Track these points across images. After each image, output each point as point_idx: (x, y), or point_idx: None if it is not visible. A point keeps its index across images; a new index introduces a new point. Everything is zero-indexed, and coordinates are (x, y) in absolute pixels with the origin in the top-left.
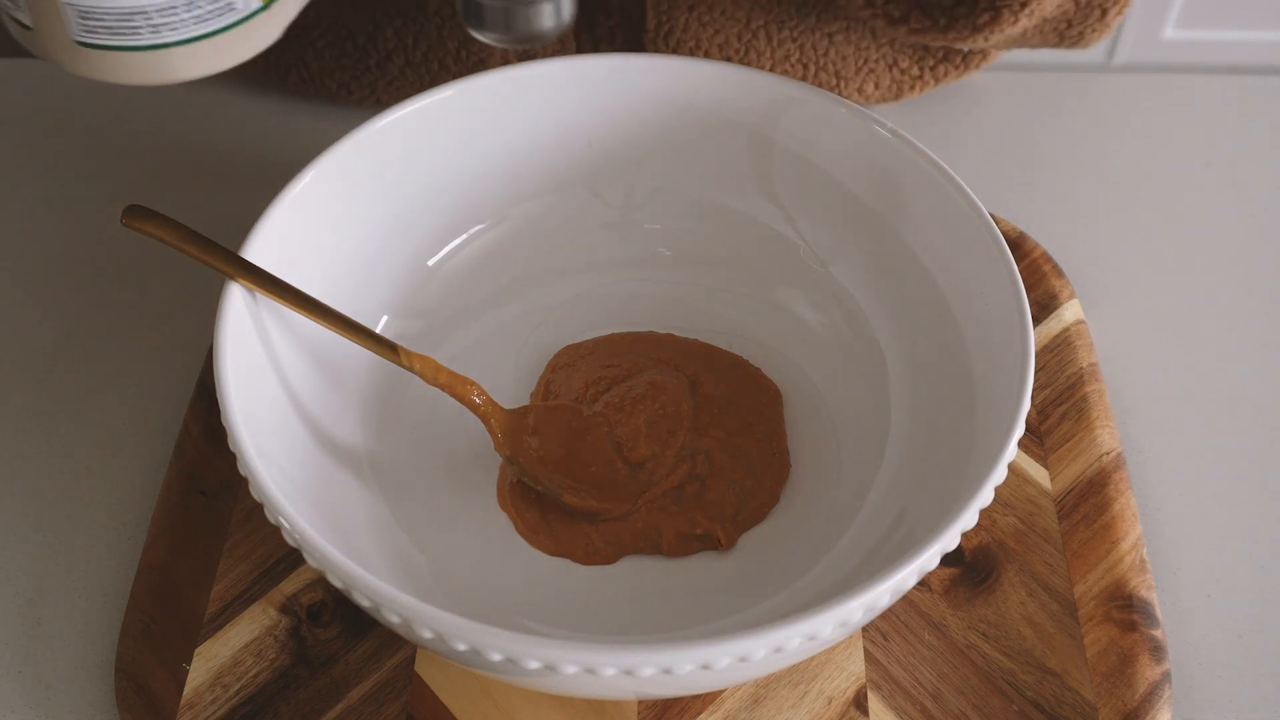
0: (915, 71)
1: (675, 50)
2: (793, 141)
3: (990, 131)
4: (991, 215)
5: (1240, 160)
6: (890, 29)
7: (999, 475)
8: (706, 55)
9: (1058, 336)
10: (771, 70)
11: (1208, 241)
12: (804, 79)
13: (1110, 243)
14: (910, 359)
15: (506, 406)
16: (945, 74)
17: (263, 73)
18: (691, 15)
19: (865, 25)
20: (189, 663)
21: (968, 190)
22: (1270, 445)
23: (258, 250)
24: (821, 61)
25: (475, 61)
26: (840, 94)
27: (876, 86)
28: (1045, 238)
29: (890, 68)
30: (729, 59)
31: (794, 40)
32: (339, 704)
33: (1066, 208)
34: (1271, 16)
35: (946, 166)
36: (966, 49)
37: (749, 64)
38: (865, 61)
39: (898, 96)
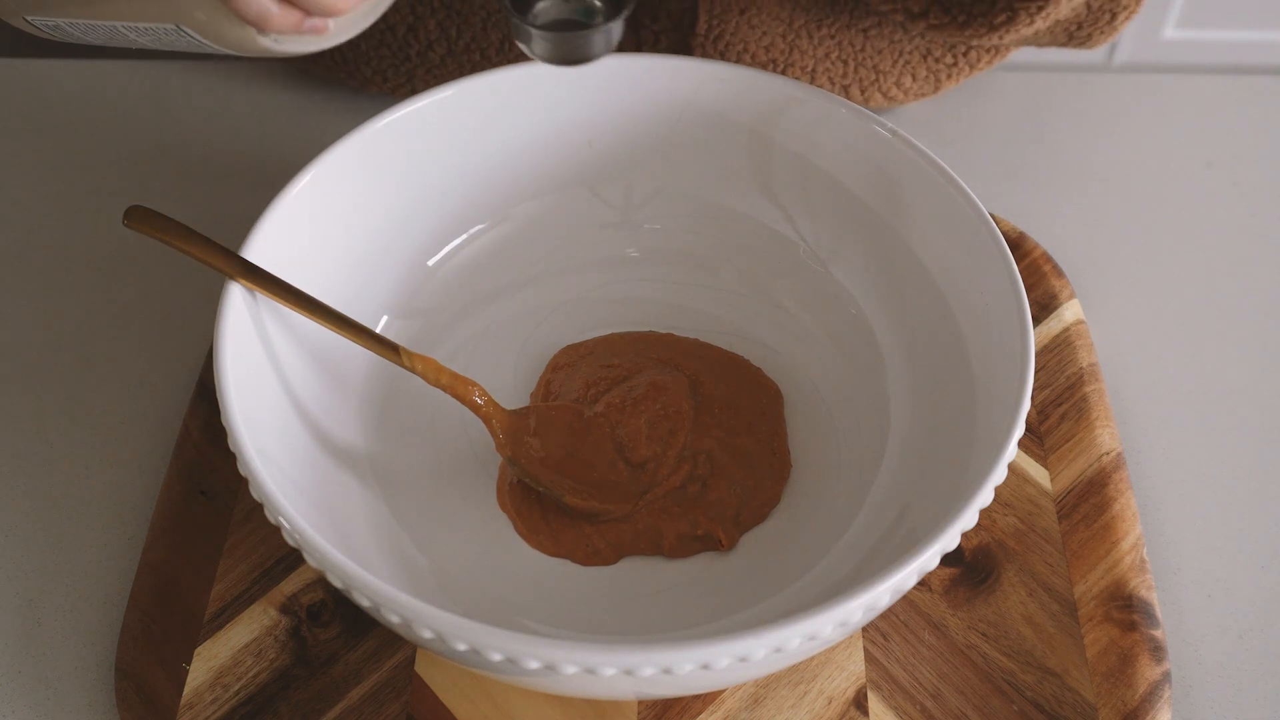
0: (950, 60)
1: (723, 53)
2: (793, 141)
3: (990, 131)
4: (991, 215)
5: (1240, 160)
6: (910, 24)
7: (999, 475)
8: (753, 57)
9: (1058, 336)
10: (814, 69)
11: (1208, 241)
12: (844, 75)
13: (1110, 243)
14: (910, 359)
15: (506, 406)
16: (979, 60)
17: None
18: (742, 19)
19: (888, 19)
20: (189, 663)
21: (968, 190)
22: (1270, 445)
23: (258, 250)
24: (860, 57)
25: (518, 54)
26: (879, 88)
27: (914, 79)
28: (1045, 238)
29: (925, 58)
30: (774, 60)
31: (832, 38)
32: (339, 704)
33: (1066, 208)
34: (1271, 16)
35: (946, 166)
36: (979, 46)
37: (793, 64)
38: (900, 54)
39: (936, 88)
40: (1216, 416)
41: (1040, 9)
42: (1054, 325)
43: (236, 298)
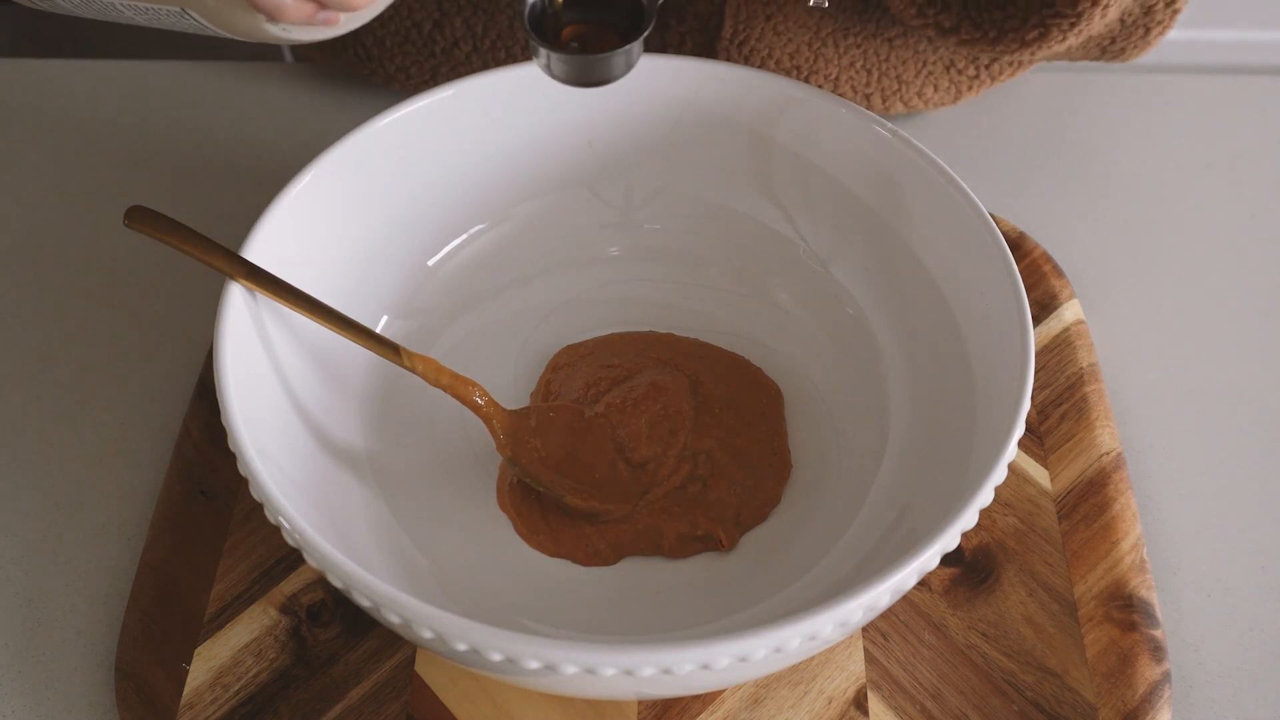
0: (972, 72)
1: (748, 58)
2: (793, 141)
3: (990, 132)
4: (991, 215)
5: (1240, 160)
6: (940, 39)
7: (999, 475)
8: (777, 63)
9: (1058, 336)
10: (837, 76)
11: (1208, 241)
12: (866, 84)
13: (1110, 243)
14: (910, 359)
15: (506, 406)
16: (1001, 72)
17: (315, 50)
18: (768, 25)
19: (918, 33)
20: (189, 663)
21: (968, 190)
22: (1270, 445)
23: (258, 250)
24: (884, 67)
25: None
26: (901, 97)
27: (936, 89)
28: (1045, 238)
29: (948, 69)
30: (799, 66)
31: (858, 47)
32: (339, 704)
33: (1066, 208)
34: (1271, 16)
35: (946, 166)
36: (1009, 60)
37: (817, 70)
38: (924, 65)
39: (956, 98)
40: (1216, 416)
41: (1073, 26)
42: (1054, 325)
43: (236, 298)
